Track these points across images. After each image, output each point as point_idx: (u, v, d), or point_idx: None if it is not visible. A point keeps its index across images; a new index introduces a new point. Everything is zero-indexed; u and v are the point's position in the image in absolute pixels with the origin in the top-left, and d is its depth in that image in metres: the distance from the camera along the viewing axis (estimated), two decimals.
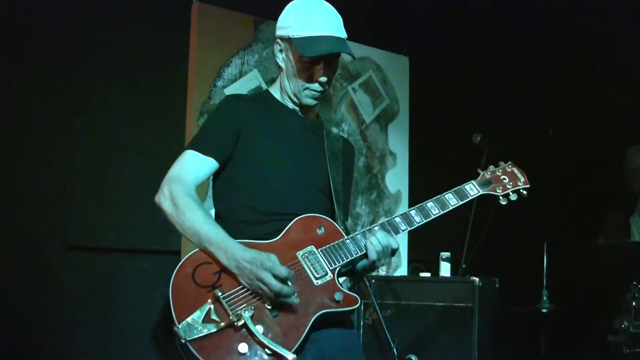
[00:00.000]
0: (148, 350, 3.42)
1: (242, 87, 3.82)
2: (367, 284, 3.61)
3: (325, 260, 2.02)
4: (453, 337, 3.46)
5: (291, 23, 2.12)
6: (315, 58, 2.09)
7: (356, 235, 2.08)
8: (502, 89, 5.02)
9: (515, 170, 2.36)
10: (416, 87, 4.71)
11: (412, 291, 3.63)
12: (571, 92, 5.07)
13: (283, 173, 2.13)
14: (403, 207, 4.49)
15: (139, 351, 3.41)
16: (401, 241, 4.34)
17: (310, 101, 2.17)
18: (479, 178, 2.31)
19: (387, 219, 2.15)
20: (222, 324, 1.86)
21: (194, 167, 2.08)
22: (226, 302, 1.89)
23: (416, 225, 2.15)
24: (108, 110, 3.42)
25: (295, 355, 1.85)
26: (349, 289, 2.02)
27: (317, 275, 1.99)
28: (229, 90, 3.75)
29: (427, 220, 2.16)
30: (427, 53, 4.72)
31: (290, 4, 2.19)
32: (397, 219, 2.14)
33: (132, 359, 3.38)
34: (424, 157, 4.69)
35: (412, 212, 2.16)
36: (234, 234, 1.99)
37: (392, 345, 3.44)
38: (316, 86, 2.14)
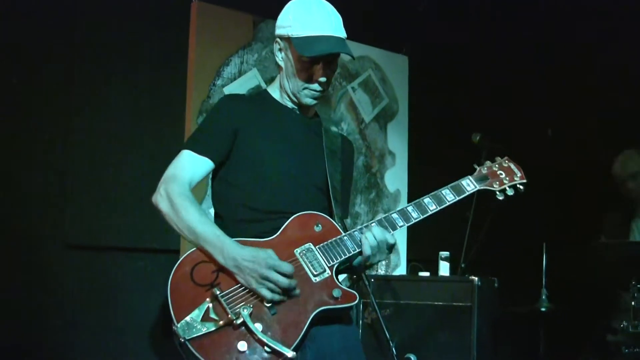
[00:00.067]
0: (147, 349, 3.43)
1: (241, 86, 3.82)
2: (367, 283, 3.61)
3: (323, 257, 2.03)
4: (452, 336, 3.46)
5: (291, 22, 2.12)
6: (314, 58, 2.09)
7: (353, 231, 2.08)
8: (501, 89, 5.02)
9: (512, 165, 2.36)
10: (415, 86, 4.71)
11: (411, 290, 3.63)
12: (571, 92, 5.07)
13: (281, 172, 2.13)
14: (402, 206, 4.46)
15: (138, 350, 3.42)
16: (400, 240, 4.34)
17: (309, 101, 2.17)
18: (475, 173, 2.31)
19: (384, 215, 2.15)
20: (221, 322, 1.86)
21: (190, 167, 2.08)
22: (225, 300, 1.90)
23: (413, 221, 2.15)
24: (107, 110, 3.42)
25: (294, 353, 1.86)
26: (348, 288, 2.03)
27: (315, 273, 1.99)
28: (228, 89, 3.75)
29: (424, 216, 2.16)
30: (426, 52, 4.72)
31: (289, 3, 2.18)
32: (395, 215, 2.14)
33: (131, 358, 3.39)
34: (423, 157, 4.70)
35: (409, 208, 2.16)
36: (234, 233, 1.99)
37: (391, 344, 3.44)
38: (315, 86, 2.14)
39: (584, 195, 4.89)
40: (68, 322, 3.23)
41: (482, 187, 2.28)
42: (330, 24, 2.11)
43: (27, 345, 3.09)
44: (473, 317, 3.43)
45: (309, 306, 1.94)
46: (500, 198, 2.30)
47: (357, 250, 2.06)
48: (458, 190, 2.23)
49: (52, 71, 3.29)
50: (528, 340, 4.13)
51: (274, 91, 2.25)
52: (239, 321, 1.86)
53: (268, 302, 1.91)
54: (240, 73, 3.84)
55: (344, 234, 2.09)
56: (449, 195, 2.21)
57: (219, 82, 3.74)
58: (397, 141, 4.63)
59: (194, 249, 1.99)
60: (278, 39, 2.17)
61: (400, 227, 2.14)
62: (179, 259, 1.98)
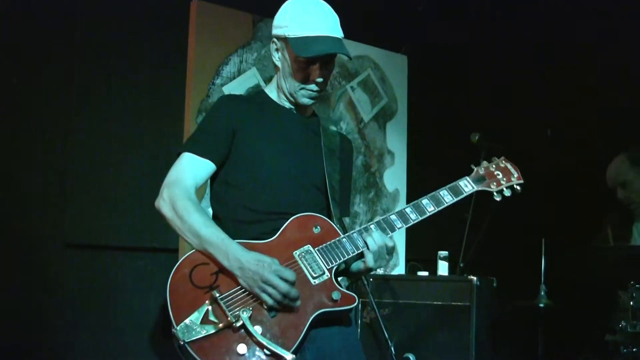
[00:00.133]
0: (147, 348, 3.44)
1: (240, 85, 3.83)
2: (365, 282, 3.62)
3: (322, 259, 2.03)
4: (451, 336, 3.47)
5: (287, 22, 2.11)
6: (311, 58, 2.08)
7: (352, 233, 2.08)
8: (501, 89, 5.02)
9: (509, 166, 2.36)
10: (415, 85, 4.71)
11: (410, 290, 3.64)
12: (571, 92, 5.07)
13: (280, 172, 2.13)
14: (401, 205, 4.49)
15: (138, 349, 3.42)
16: (399, 240, 4.34)
17: (306, 101, 2.17)
18: (472, 174, 2.30)
19: (382, 217, 2.15)
20: (221, 325, 1.87)
21: (191, 169, 2.08)
22: (224, 303, 1.90)
23: (412, 223, 2.15)
24: (107, 109, 3.43)
25: (294, 355, 1.86)
26: (347, 288, 2.03)
27: (314, 275, 1.99)
28: (227, 89, 3.75)
29: (422, 218, 2.16)
30: (425, 52, 4.72)
31: (286, 3, 2.18)
32: (393, 217, 2.14)
33: (131, 357, 3.39)
34: (422, 156, 4.70)
35: (408, 210, 2.16)
36: (232, 234, 1.99)
37: (390, 344, 3.45)
38: (312, 86, 2.14)
39: (584, 195, 4.89)
40: (67, 320, 3.24)
41: (479, 188, 2.28)
42: (327, 24, 2.11)
43: (25, 343, 3.10)
44: (472, 317, 3.43)
45: (308, 309, 1.94)
46: (498, 199, 2.30)
47: (356, 252, 2.06)
48: (456, 192, 2.23)
49: (52, 71, 3.29)
50: (527, 339, 4.14)
51: (271, 91, 2.24)
52: (238, 324, 1.87)
53: (268, 306, 1.91)
54: (240, 72, 3.84)
55: (342, 235, 2.09)
56: (446, 197, 2.21)
57: (218, 81, 3.74)
58: (396, 140, 4.63)
59: (193, 250, 1.99)
60: (275, 39, 2.17)
61: (399, 228, 2.14)
62: (177, 259, 1.98)
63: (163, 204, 2.02)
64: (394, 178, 4.59)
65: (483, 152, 3.67)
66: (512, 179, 2.32)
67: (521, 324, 4.17)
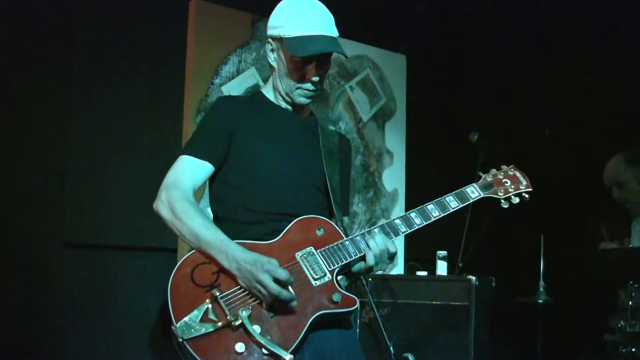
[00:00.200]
0: (147, 348, 3.44)
1: (239, 84, 3.83)
2: (364, 282, 3.61)
3: (324, 261, 2.03)
4: (449, 335, 3.47)
5: (282, 22, 2.12)
6: (307, 58, 2.09)
7: (355, 236, 2.09)
8: (500, 89, 5.02)
9: (518, 174, 2.37)
10: (413, 85, 4.71)
11: (409, 290, 3.64)
12: (571, 92, 5.07)
13: (279, 172, 2.13)
14: (400, 205, 4.50)
15: (137, 349, 3.43)
16: (398, 239, 4.33)
17: (303, 100, 2.18)
18: (480, 181, 2.32)
19: (387, 221, 2.16)
20: (220, 323, 1.87)
21: (190, 171, 2.08)
22: (224, 302, 1.90)
23: (416, 228, 2.17)
24: (106, 109, 3.43)
25: (292, 356, 1.86)
26: (346, 288, 2.04)
27: (315, 276, 2.00)
28: (226, 88, 3.76)
29: (427, 223, 2.18)
30: (424, 51, 4.73)
31: (281, 3, 2.18)
32: (397, 221, 2.15)
33: (130, 356, 3.40)
34: (421, 156, 4.70)
35: (412, 215, 2.17)
36: (232, 234, 2.00)
37: (389, 344, 3.45)
38: (308, 85, 2.14)
39: (583, 196, 4.89)
40: (67, 321, 3.25)
41: (486, 195, 2.29)
42: (322, 23, 2.11)
43: (25, 342, 3.11)
44: (470, 317, 3.43)
45: (308, 310, 1.95)
46: (505, 206, 2.31)
47: (359, 255, 2.07)
48: (462, 198, 2.24)
49: (52, 71, 3.29)
50: (526, 339, 4.14)
51: (268, 92, 2.25)
52: (237, 323, 1.87)
53: (267, 306, 1.92)
54: (239, 72, 3.84)
55: (345, 238, 2.09)
56: (452, 203, 2.22)
57: (217, 81, 3.74)
58: (395, 140, 4.63)
59: (194, 250, 2.00)
60: (270, 40, 2.17)
61: (403, 232, 2.15)
62: (177, 259, 1.99)
63: (161, 207, 2.02)
64: (393, 178, 4.59)
65: (482, 152, 3.68)
66: (521, 187, 2.33)
67: (520, 320, 4.17)
